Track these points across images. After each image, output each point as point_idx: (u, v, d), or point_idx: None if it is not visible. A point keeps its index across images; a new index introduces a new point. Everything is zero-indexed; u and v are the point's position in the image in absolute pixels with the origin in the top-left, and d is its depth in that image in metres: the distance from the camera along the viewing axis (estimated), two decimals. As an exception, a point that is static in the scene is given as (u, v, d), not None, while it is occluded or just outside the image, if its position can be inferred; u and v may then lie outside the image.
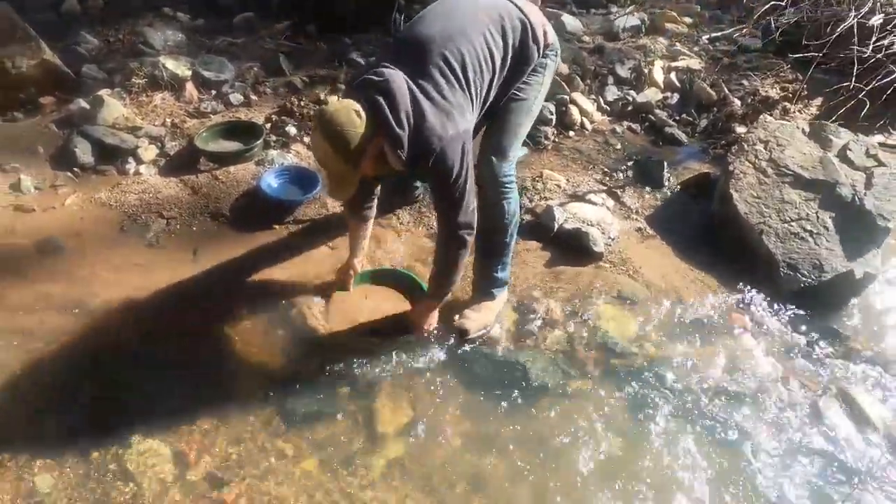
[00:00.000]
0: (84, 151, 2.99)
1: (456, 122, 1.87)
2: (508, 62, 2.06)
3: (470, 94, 1.94)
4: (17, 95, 3.23)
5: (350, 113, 1.75)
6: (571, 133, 3.62)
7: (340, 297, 2.40)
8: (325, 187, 2.86)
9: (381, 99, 1.76)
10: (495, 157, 2.16)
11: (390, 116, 1.76)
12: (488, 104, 2.09)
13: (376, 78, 1.80)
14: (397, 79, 1.79)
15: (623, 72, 4.02)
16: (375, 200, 2.33)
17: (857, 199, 2.74)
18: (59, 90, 3.33)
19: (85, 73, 3.47)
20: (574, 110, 3.66)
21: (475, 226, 2.06)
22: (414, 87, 1.81)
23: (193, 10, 4.28)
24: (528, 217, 2.91)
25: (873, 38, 3.57)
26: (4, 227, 2.60)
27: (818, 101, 3.85)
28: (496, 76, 2.04)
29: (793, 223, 2.73)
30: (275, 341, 2.24)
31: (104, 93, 3.26)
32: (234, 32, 4.11)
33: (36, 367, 2.09)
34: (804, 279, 2.60)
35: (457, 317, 2.30)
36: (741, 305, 2.59)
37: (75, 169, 2.95)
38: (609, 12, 4.86)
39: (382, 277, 2.49)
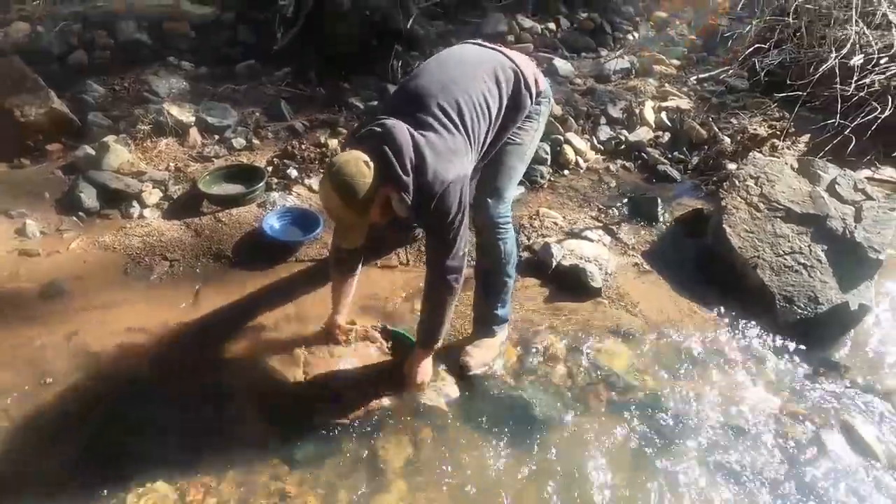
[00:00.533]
0: (89, 196, 3.05)
1: (455, 167, 1.93)
2: (503, 110, 2.14)
3: (469, 140, 2.00)
4: (25, 143, 3.30)
5: (358, 163, 1.81)
6: (566, 172, 3.71)
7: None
8: (326, 229, 2.91)
9: (386, 148, 1.82)
10: (491, 200, 2.21)
11: (396, 164, 1.82)
12: (484, 150, 2.16)
13: (379, 129, 1.86)
14: (400, 128, 1.86)
15: (615, 112, 4.14)
16: (361, 257, 2.33)
17: (847, 231, 2.80)
18: (66, 137, 3.42)
19: (91, 120, 3.55)
20: (568, 150, 3.75)
21: (463, 271, 2.08)
22: (416, 136, 1.88)
23: (197, 58, 4.41)
24: (526, 254, 2.95)
25: (855, 77, 3.70)
26: (10, 272, 2.63)
27: (805, 137, 3.96)
28: (492, 123, 2.12)
29: (786, 256, 2.78)
30: (277, 383, 2.25)
31: (110, 139, 3.33)
32: (237, 79, 4.23)
33: (40, 410, 2.08)
34: (800, 311, 2.63)
35: (460, 355, 2.32)
36: (739, 338, 2.62)
37: (80, 213, 3.00)
38: (599, 56, 5.02)
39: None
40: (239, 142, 3.56)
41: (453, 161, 1.93)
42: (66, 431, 2.04)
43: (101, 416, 2.09)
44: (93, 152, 3.24)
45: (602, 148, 3.94)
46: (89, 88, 3.90)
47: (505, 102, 2.14)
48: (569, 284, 2.79)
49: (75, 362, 2.25)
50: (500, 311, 2.36)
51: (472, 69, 2.10)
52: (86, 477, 1.90)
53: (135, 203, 3.07)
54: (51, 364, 2.24)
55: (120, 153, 3.26)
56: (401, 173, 1.84)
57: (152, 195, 3.13)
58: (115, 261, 2.76)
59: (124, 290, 2.60)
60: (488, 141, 2.13)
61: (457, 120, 1.98)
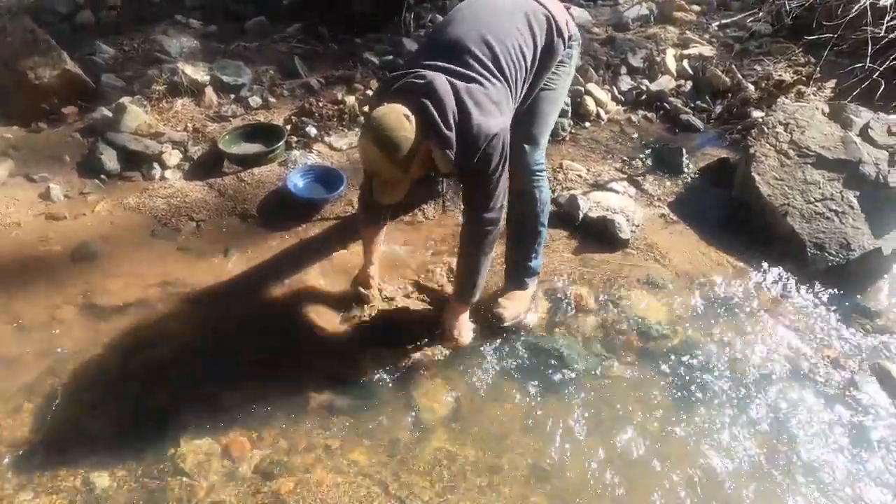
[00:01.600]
0: (109, 158, 3.02)
1: (497, 118, 1.89)
2: (538, 57, 2.08)
3: (509, 89, 1.96)
4: (41, 106, 3.25)
5: (400, 118, 1.75)
6: (588, 124, 3.63)
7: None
8: (350, 186, 2.88)
9: (428, 102, 1.77)
10: (527, 146, 2.18)
11: (439, 120, 1.77)
12: (521, 98, 2.11)
13: (419, 81, 1.80)
14: (440, 80, 1.80)
15: (635, 61, 4.04)
16: (390, 207, 2.28)
17: (881, 177, 2.75)
18: (81, 99, 3.36)
19: (104, 81, 3.49)
20: (589, 101, 3.67)
21: (500, 223, 2.06)
22: (458, 87, 1.82)
23: (205, 16, 4.31)
24: (552, 207, 2.90)
25: (887, 18, 3.57)
26: (38, 235, 2.63)
27: (832, 83, 3.86)
28: (528, 71, 2.06)
29: (817, 203, 2.74)
30: (313, 337, 2.27)
31: (126, 100, 3.28)
32: (247, 37, 4.13)
33: (82, 372, 2.11)
34: (832, 258, 2.61)
35: (492, 306, 2.32)
36: (770, 286, 2.61)
37: (102, 176, 2.98)
38: (617, 3, 4.86)
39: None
40: (255, 100, 3.50)
41: (496, 113, 1.89)
42: (106, 392, 2.07)
43: (141, 375, 2.12)
44: (110, 114, 3.20)
45: (623, 98, 3.85)
46: (99, 49, 3.82)
47: (539, 49, 2.08)
48: (596, 236, 2.77)
49: (111, 323, 2.27)
50: (532, 263, 2.35)
51: (505, 16, 2.03)
52: (129, 436, 1.94)
53: (155, 164, 3.04)
54: (87, 326, 2.26)
55: (137, 114, 3.21)
56: (444, 129, 1.79)
57: (172, 156, 3.09)
58: (142, 222, 2.75)
59: (154, 251, 2.61)
60: (524, 89, 2.09)
61: (494, 69, 1.92)
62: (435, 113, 1.77)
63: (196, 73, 3.50)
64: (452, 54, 1.90)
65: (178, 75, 3.46)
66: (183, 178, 3.02)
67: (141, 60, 3.78)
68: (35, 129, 3.23)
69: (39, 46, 3.26)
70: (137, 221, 2.76)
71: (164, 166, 3.05)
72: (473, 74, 1.87)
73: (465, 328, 2.23)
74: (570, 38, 2.18)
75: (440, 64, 1.86)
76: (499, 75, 1.91)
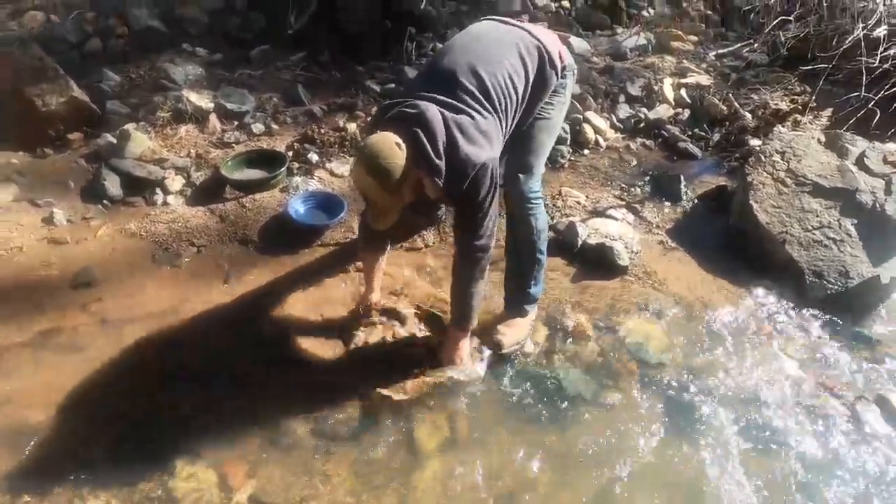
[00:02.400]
0: (113, 184, 3.06)
1: (486, 149, 1.93)
2: (530, 89, 2.12)
3: (499, 121, 2.00)
4: (47, 132, 3.30)
5: (391, 146, 1.81)
6: (586, 151, 3.68)
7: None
8: (351, 212, 2.91)
9: (419, 131, 1.82)
10: (522, 175, 2.20)
11: (429, 149, 1.82)
12: (513, 128, 2.14)
13: (412, 110, 1.86)
14: (432, 110, 1.85)
15: (634, 90, 4.10)
16: (390, 234, 2.32)
17: (877, 205, 2.77)
18: (87, 126, 3.41)
19: (110, 108, 3.55)
20: (588, 129, 3.72)
21: (490, 251, 2.09)
22: (448, 119, 1.87)
23: (211, 45, 4.38)
24: (550, 234, 2.92)
25: (880, 49, 3.63)
26: (41, 259, 2.65)
27: (828, 112, 3.91)
28: (520, 103, 2.10)
29: (815, 231, 2.76)
30: (311, 365, 2.26)
31: (130, 127, 3.33)
32: (252, 64, 4.20)
33: (77, 397, 2.11)
34: (830, 286, 2.61)
35: (491, 333, 2.32)
36: (769, 314, 2.61)
37: (105, 201, 3.01)
38: (615, 33, 4.96)
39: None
40: (258, 127, 3.55)
41: (484, 143, 1.93)
42: (103, 417, 2.07)
43: (138, 400, 2.12)
44: (114, 140, 3.24)
45: (622, 126, 3.90)
46: (105, 77, 3.88)
47: (531, 81, 2.12)
48: (595, 263, 2.78)
49: (109, 348, 2.27)
50: (532, 290, 2.35)
51: (496, 49, 2.08)
52: (126, 462, 1.93)
53: (158, 190, 3.07)
54: (85, 350, 2.26)
55: (141, 141, 3.26)
56: (433, 157, 1.84)
57: (175, 182, 3.13)
58: (143, 247, 2.77)
59: (154, 276, 2.62)
60: (516, 120, 2.12)
61: (484, 101, 1.97)
62: (425, 141, 1.82)
63: (200, 100, 3.56)
64: (444, 86, 1.94)
65: (182, 102, 3.51)
66: (185, 204, 3.05)
67: (147, 88, 3.84)
68: (41, 155, 3.28)
69: (47, 74, 3.33)
70: (139, 246, 2.78)
71: (166, 192, 3.08)
72: (463, 106, 1.92)
73: (465, 354, 2.24)
74: (563, 68, 2.22)
75: (432, 95, 1.91)
76: (488, 107, 1.96)
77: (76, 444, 1.98)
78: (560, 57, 2.21)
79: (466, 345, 2.24)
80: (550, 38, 2.23)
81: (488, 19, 2.28)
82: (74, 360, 2.22)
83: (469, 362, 2.25)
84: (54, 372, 2.18)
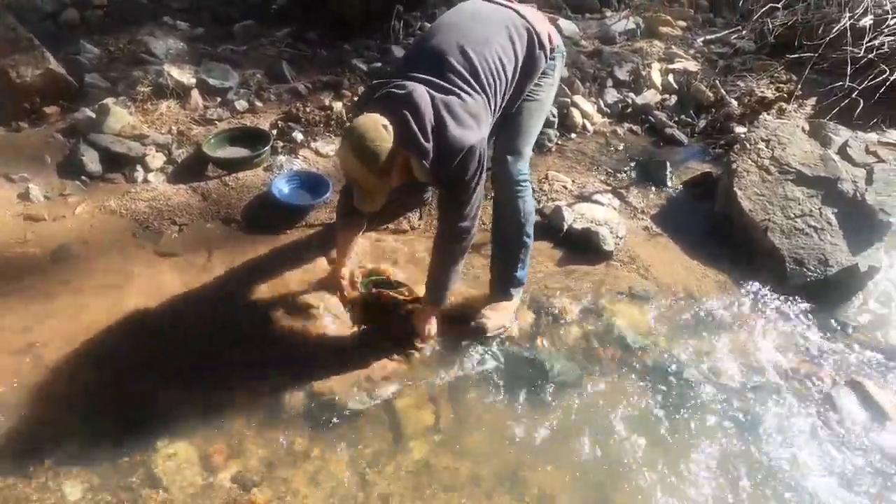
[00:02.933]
0: (91, 160, 2.98)
1: (475, 130, 1.91)
2: (518, 70, 2.11)
3: (487, 102, 1.98)
4: (22, 105, 3.20)
5: (378, 128, 1.78)
6: (573, 135, 3.67)
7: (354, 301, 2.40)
8: (335, 192, 2.87)
9: (407, 113, 1.80)
10: (510, 157, 2.19)
11: (417, 130, 1.80)
12: (501, 110, 2.13)
13: (399, 91, 1.83)
14: (420, 91, 1.83)
15: (622, 74, 4.09)
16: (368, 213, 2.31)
17: (858, 194, 2.80)
18: (63, 99, 3.32)
19: (88, 82, 3.45)
20: (575, 113, 3.71)
21: (474, 231, 2.09)
22: (436, 99, 1.85)
23: (193, 19, 4.28)
24: (537, 218, 2.91)
25: (865, 39, 3.66)
26: (17, 236, 2.59)
27: (812, 100, 3.94)
28: (508, 84, 2.09)
29: (797, 219, 2.79)
30: (292, 344, 2.25)
31: (109, 101, 3.24)
32: (235, 40, 4.11)
33: (56, 376, 2.08)
34: (810, 273, 2.65)
35: (476, 317, 2.32)
36: (750, 300, 2.64)
37: (83, 177, 2.94)
38: (604, 17, 4.92)
39: (381, 286, 2.46)
40: (241, 104, 3.48)
41: (472, 125, 1.91)
42: (83, 396, 2.04)
43: (120, 377, 2.09)
44: (93, 115, 3.15)
45: (609, 111, 3.89)
46: (83, 49, 3.78)
47: (520, 62, 2.10)
48: (580, 247, 2.79)
49: (88, 326, 2.24)
50: (518, 273, 2.35)
51: (485, 29, 2.05)
52: (106, 439, 1.91)
53: (138, 167, 3.01)
54: (64, 328, 2.22)
55: (120, 116, 3.17)
56: (421, 139, 1.82)
57: (156, 159, 3.06)
58: (123, 225, 2.72)
59: (135, 254, 2.58)
60: (505, 101, 2.11)
61: (473, 81, 1.95)
62: (413, 123, 1.80)
63: (182, 75, 3.48)
64: (433, 66, 1.92)
65: (163, 77, 3.43)
66: (166, 182, 2.99)
67: (126, 61, 3.74)
68: (15, 129, 3.18)
69: (21, 44, 3.22)
70: (119, 224, 2.72)
71: (147, 169, 3.02)
72: (451, 87, 1.90)
73: (434, 327, 2.25)
74: (552, 49, 2.20)
75: (420, 75, 1.88)
76: (477, 87, 1.94)
77: (54, 424, 1.95)
78: (549, 38, 2.19)
79: (436, 320, 2.25)
80: (539, 19, 2.21)
81: None
82: (51, 341, 2.18)
83: (435, 329, 2.24)
84: (30, 353, 2.13)
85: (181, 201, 2.86)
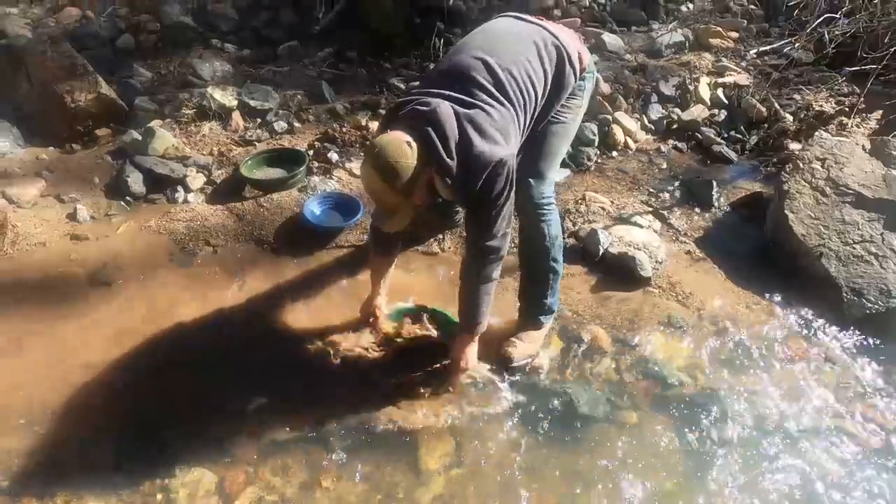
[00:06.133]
0: (136, 181, 3.09)
1: (502, 146, 1.85)
2: (547, 88, 2.05)
3: (515, 115, 1.92)
4: (76, 128, 3.37)
5: (402, 145, 1.75)
6: (615, 153, 3.55)
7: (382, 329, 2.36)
8: (367, 214, 2.87)
9: (430, 130, 1.76)
10: (533, 180, 2.12)
11: (441, 148, 1.76)
12: (528, 129, 2.06)
13: (424, 108, 1.79)
14: (445, 108, 1.79)
15: (667, 89, 3.93)
16: (400, 237, 2.25)
17: (925, 219, 2.58)
18: (115, 122, 3.47)
19: (137, 104, 3.60)
20: (617, 130, 3.59)
21: (503, 253, 2.00)
22: (461, 115, 1.80)
23: (240, 41, 4.41)
24: (571, 241, 2.84)
25: (936, 48, 3.39)
26: (61, 255, 2.69)
27: (877, 114, 3.68)
28: (537, 102, 2.02)
29: (856, 245, 2.58)
30: (318, 369, 2.24)
31: (155, 124, 3.37)
32: (279, 61, 4.21)
33: (85, 396, 2.13)
34: (870, 305, 2.45)
35: (504, 344, 2.25)
36: (801, 333, 2.46)
37: (127, 198, 3.05)
38: (651, 29, 4.78)
39: (411, 313, 2.41)
40: (280, 125, 3.54)
41: (500, 139, 1.86)
42: (109, 415, 2.07)
43: (146, 399, 2.12)
44: (139, 137, 3.28)
45: (653, 128, 3.76)
46: (136, 72, 3.95)
47: (549, 80, 2.04)
48: (616, 273, 2.67)
49: (121, 346, 2.29)
50: (548, 301, 2.27)
51: (514, 45, 2.00)
52: (129, 463, 1.94)
53: (179, 188, 3.09)
54: (97, 347, 2.28)
55: (165, 138, 3.29)
56: (444, 156, 1.78)
57: (196, 180, 3.14)
58: (162, 245, 2.79)
59: (170, 275, 2.63)
60: (532, 120, 2.04)
61: (499, 95, 1.89)
62: (436, 140, 1.76)
63: (224, 97, 3.57)
64: (457, 81, 1.88)
65: (206, 99, 3.53)
66: (205, 202, 3.06)
67: (175, 84, 3.88)
68: (69, 151, 3.35)
69: (77, 71, 3.39)
70: (157, 244, 2.79)
71: (187, 189, 3.10)
72: (476, 101, 1.85)
73: (471, 357, 2.16)
74: (583, 70, 2.12)
75: (445, 91, 1.85)
76: (503, 100, 1.88)
77: (80, 447, 1.99)
78: (580, 58, 2.12)
79: (474, 349, 2.17)
80: (571, 38, 2.14)
81: (506, 16, 2.20)
82: (84, 357, 2.24)
83: (475, 362, 2.16)
84: (63, 370, 2.20)
85: (217, 222, 2.92)
